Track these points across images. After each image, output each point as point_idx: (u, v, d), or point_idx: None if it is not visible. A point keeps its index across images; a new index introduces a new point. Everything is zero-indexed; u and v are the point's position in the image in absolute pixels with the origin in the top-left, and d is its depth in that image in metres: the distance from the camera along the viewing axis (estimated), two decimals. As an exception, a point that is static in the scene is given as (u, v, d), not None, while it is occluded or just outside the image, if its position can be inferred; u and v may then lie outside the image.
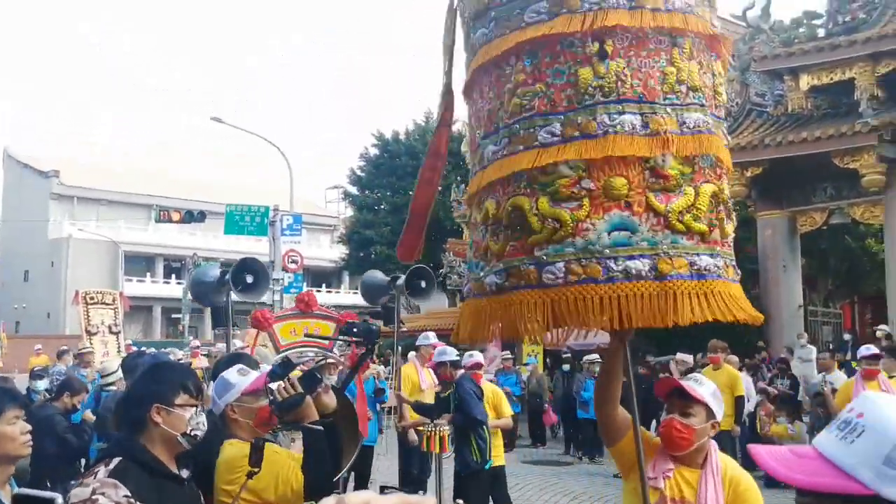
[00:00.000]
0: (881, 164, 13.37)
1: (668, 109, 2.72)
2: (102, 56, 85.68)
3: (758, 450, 1.26)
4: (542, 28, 2.71)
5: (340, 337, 4.12)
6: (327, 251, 48.05)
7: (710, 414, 2.70)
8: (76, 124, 77.60)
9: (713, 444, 2.76)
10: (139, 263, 45.76)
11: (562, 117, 2.69)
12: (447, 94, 3.28)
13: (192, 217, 20.96)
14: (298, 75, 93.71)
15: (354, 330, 3.51)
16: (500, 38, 2.81)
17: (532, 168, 2.68)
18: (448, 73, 3.24)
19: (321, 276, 49.58)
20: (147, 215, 43.92)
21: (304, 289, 21.29)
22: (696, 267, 2.61)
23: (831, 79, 14.21)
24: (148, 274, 46.45)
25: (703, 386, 2.74)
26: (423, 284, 6.15)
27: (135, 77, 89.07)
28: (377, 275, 6.65)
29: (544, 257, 2.62)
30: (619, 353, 2.82)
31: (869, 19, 14.15)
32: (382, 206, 31.07)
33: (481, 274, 2.83)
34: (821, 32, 15.47)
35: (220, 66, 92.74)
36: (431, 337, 7.94)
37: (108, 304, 15.92)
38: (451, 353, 6.46)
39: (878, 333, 13.20)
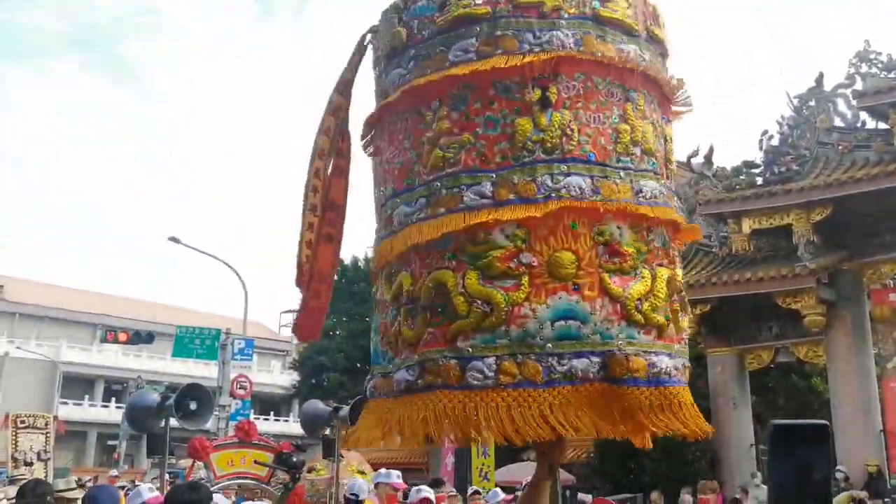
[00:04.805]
0: (821, 306, 13.89)
1: (622, 174, 2.28)
2: (48, 172, 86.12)
3: None
4: (470, 66, 2.26)
5: (266, 464, 4.03)
6: (278, 377, 46.77)
7: None
8: (21, 240, 76.60)
9: None
10: (78, 385, 43.79)
11: (493, 175, 2.22)
12: (342, 138, 2.80)
13: (140, 338, 20.46)
14: (255, 194, 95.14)
15: (282, 458, 3.45)
16: (421, 79, 2.34)
17: (459, 235, 2.18)
18: (343, 112, 2.78)
19: (270, 404, 47.92)
20: (92, 334, 42.60)
21: (252, 416, 20.56)
22: (654, 370, 2.17)
23: (770, 224, 14.95)
24: (86, 396, 44.37)
25: None
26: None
27: (86, 195, 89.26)
28: (317, 405, 6.42)
29: (469, 349, 2.10)
30: (545, 486, 2.27)
31: (802, 171, 15.15)
32: (338, 332, 30.74)
33: (390, 367, 2.30)
34: (759, 180, 16.45)
35: (175, 183, 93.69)
36: (393, 475, 7.09)
37: (39, 429, 15.01)
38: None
39: (837, 475, 13.17)
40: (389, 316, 2.33)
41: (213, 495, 4.87)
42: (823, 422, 1.06)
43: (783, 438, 1.04)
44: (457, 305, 2.12)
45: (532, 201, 2.17)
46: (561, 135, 2.22)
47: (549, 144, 2.21)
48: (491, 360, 2.08)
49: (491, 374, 2.07)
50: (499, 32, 2.28)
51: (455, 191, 2.23)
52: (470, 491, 9.80)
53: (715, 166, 17.72)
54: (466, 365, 2.09)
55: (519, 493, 7.73)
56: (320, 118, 2.82)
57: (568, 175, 2.20)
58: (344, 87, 2.73)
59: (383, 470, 7.53)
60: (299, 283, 2.88)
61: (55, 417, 16.70)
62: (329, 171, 2.85)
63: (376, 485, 7.21)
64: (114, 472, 17.12)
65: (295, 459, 3.35)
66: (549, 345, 2.07)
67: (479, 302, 2.10)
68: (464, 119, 2.27)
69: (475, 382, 2.08)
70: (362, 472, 7.22)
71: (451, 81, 2.29)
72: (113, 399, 44.07)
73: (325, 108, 2.81)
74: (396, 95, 2.40)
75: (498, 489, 7.58)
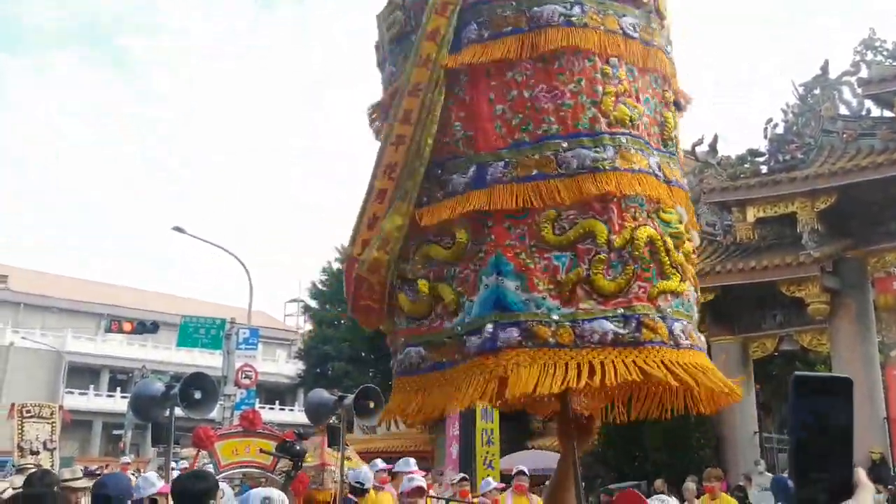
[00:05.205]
0: (825, 294, 13.87)
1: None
2: (54, 166, 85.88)
3: None
4: (647, 51, 2.38)
5: (270, 452, 4.07)
6: (283, 366, 46.93)
7: None
8: (21, 240, 76.44)
9: None
10: (83, 375, 44.00)
11: (655, 153, 2.36)
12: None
13: (145, 328, 20.50)
14: (256, 194, 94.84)
15: (284, 447, 3.52)
16: (597, 33, 2.29)
17: (651, 197, 2.26)
18: (444, 38, 2.36)
19: (275, 393, 48.11)
20: (96, 324, 42.75)
21: (257, 406, 20.65)
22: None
23: (775, 212, 14.92)
24: (91, 386, 44.56)
25: None
26: (371, 405, 5.96)
27: (91, 186, 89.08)
28: (322, 394, 6.45)
29: (670, 311, 2.20)
30: (570, 460, 2.27)
31: (806, 159, 15.08)
32: (343, 322, 30.76)
33: (556, 316, 2.12)
34: (764, 169, 16.39)
35: (180, 173, 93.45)
36: (412, 463, 7.32)
37: (44, 418, 15.08)
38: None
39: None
40: (555, 261, 2.16)
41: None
42: (847, 376, 1.02)
43: (803, 389, 1.00)
44: (664, 266, 2.20)
45: (682, 187, 2.45)
46: (677, 138, 2.51)
47: (675, 143, 2.48)
48: (683, 323, 2.23)
49: (687, 337, 2.22)
50: (654, 25, 2.46)
51: (642, 153, 2.31)
52: (458, 478, 9.82)
53: (720, 154, 17.64)
54: (671, 325, 2.18)
55: (514, 482, 7.76)
56: (415, 50, 2.41)
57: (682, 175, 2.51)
58: (442, 8, 2.38)
59: (403, 459, 7.64)
60: (353, 290, 2.63)
61: (61, 407, 16.75)
62: (433, 110, 2.36)
63: (395, 474, 7.25)
64: (126, 458, 17.21)
65: (297, 448, 3.44)
66: (696, 317, 2.33)
67: (679, 268, 2.25)
68: (634, 90, 2.37)
69: (682, 343, 2.19)
70: (348, 459, 7.26)
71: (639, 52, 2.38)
72: (118, 389, 44.27)
73: (419, 35, 2.42)
74: (562, 34, 2.26)
75: (490, 479, 7.65)
